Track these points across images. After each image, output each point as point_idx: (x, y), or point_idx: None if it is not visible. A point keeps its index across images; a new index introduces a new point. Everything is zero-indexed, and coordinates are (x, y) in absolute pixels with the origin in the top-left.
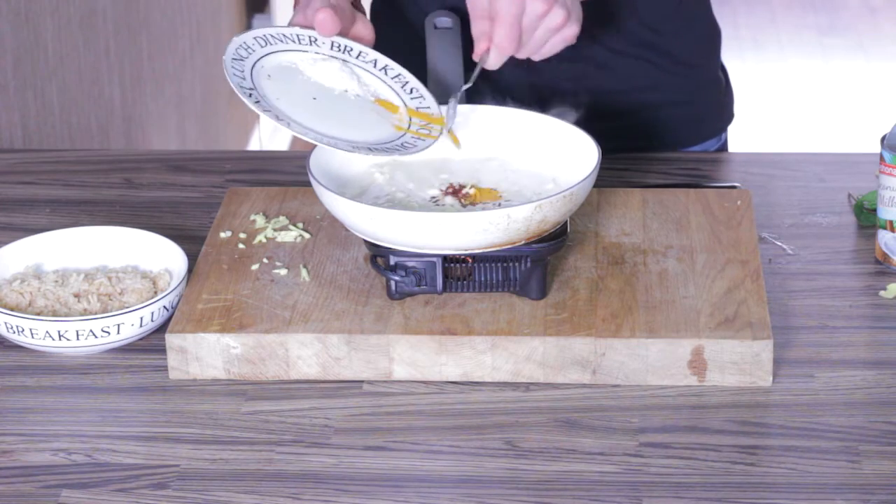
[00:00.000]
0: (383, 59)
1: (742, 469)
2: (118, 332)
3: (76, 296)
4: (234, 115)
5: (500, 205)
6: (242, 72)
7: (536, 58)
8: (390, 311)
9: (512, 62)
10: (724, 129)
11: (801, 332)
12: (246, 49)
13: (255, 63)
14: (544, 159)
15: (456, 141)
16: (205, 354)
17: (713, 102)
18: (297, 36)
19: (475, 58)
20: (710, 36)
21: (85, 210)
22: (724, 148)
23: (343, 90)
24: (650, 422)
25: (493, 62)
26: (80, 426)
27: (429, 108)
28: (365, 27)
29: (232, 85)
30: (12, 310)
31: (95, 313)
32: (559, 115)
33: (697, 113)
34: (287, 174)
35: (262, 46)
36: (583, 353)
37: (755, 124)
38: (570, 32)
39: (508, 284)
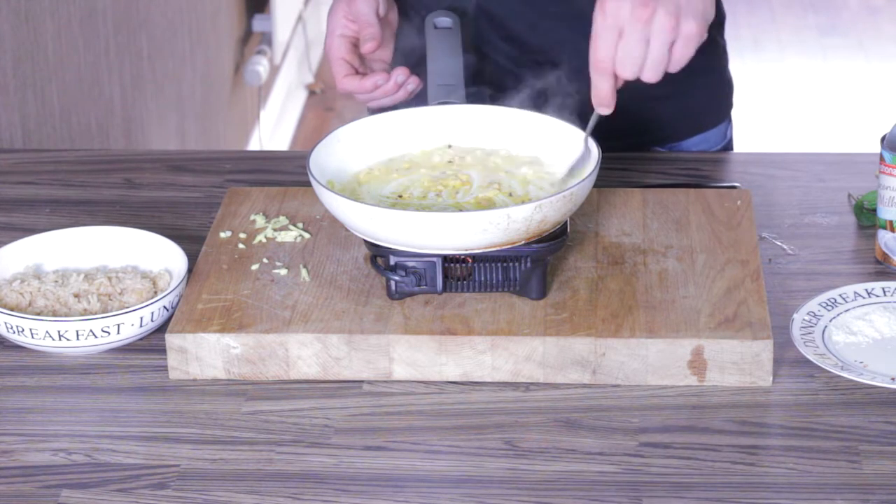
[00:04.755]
0: None
1: (742, 469)
2: (118, 332)
3: (76, 296)
4: (234, 115)
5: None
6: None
7: (669, 69)
8: (390, 311)
9: (511, 62)
10: (721, 120)
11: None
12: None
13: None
14: (544, 159)
15: None
16: (205, 354)
17: (707, 94)
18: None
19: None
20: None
21: (85, 210)
22: (729, 143)
23: None
24: (650, 422)
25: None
26: (80, 426)
27: None
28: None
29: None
30: (12, 310)
31: (95, 313)
32: (559, 114)
33: (692, 105)
34: (287, 174)
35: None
36: (583, 353)
37: (755, 124)
38: (688, 30)
39: (508, 284)
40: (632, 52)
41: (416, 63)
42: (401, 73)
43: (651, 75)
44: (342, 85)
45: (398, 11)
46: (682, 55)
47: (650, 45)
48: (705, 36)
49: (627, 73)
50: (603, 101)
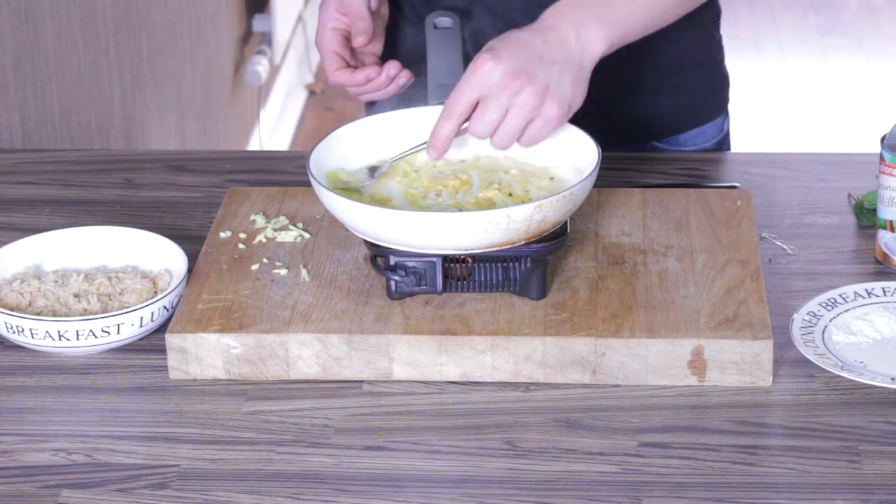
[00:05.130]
0: None
1: (742, 469)
2: (118, 332)
3: (76, 296)
4: (234, 115)
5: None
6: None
7: (520, 143)
8: (390, 311)
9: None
10: (718, 113)
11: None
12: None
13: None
14: (544, 159)
15: None
16: (205, 354)
17: (703, 88)
18: None
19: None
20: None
21: (85, 210)
22: (726, 136)
23: None
24: (650, 422)
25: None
26: (80, 426)
27: None
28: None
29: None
30: (12, 310)
31: (95, 313)
32: None
33: (689, 99)
34: (287, 174)
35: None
36: (583, 353)
37: (755, 124)
38: (549, 113)
39: (508, 284)
40: (488, 115)
41: (416, 62)
42: (392, 67)
43: (500, 142)
44: (333, 78)
45: (395, 8)
46: (537, 135)
47: (508, 115)
48: (565, 121)
49: (477, 132)
50: (436, 145)
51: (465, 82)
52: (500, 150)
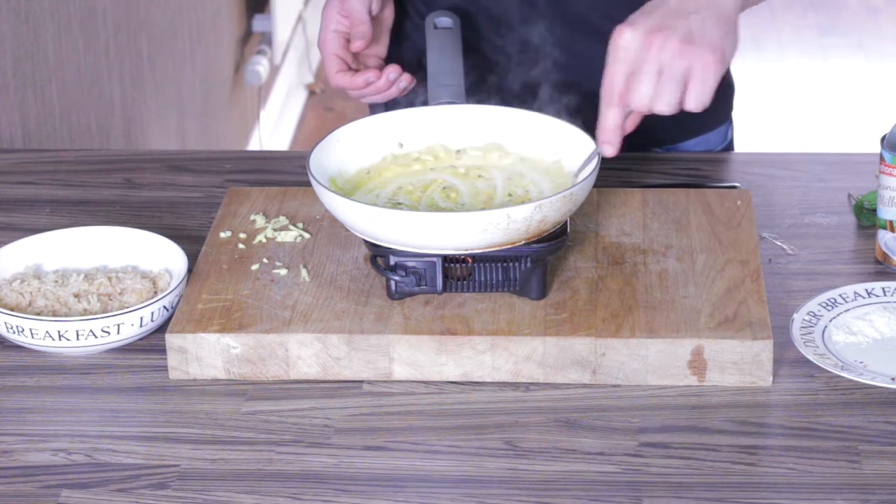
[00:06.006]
0: None
1: (742, 469)
2: (118, 332)
3: (76, 296)
4: (234, 115)
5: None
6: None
7: (689, 107)
8: (390, 311)
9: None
10: (722, 122)
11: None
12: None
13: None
14: (545, 158)
15: None
16: (205, 354)
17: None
18: None
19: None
20: None
21: (85, 210)
22: (729, 144)
23: None
24: (650, 422)
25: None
26: (80, 426)
27: None
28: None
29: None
30: (12, 310)
31: (95, 313)
32: (558, 114)
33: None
34: (287, 174)
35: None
36: (583, 353)
37: (755, 124)
38: (703, 59)
39: (508, 284)
40: (644, 82)
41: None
42: (393, 71)
43: (664, 107)
44: (334, 81)
45: (402, 10)
46: (701, 89)
47: (662, 75)
48: (725, 67)
49: (638, 105)
50: (606, 137)
51: (611, 61)
52: (667, 114)
